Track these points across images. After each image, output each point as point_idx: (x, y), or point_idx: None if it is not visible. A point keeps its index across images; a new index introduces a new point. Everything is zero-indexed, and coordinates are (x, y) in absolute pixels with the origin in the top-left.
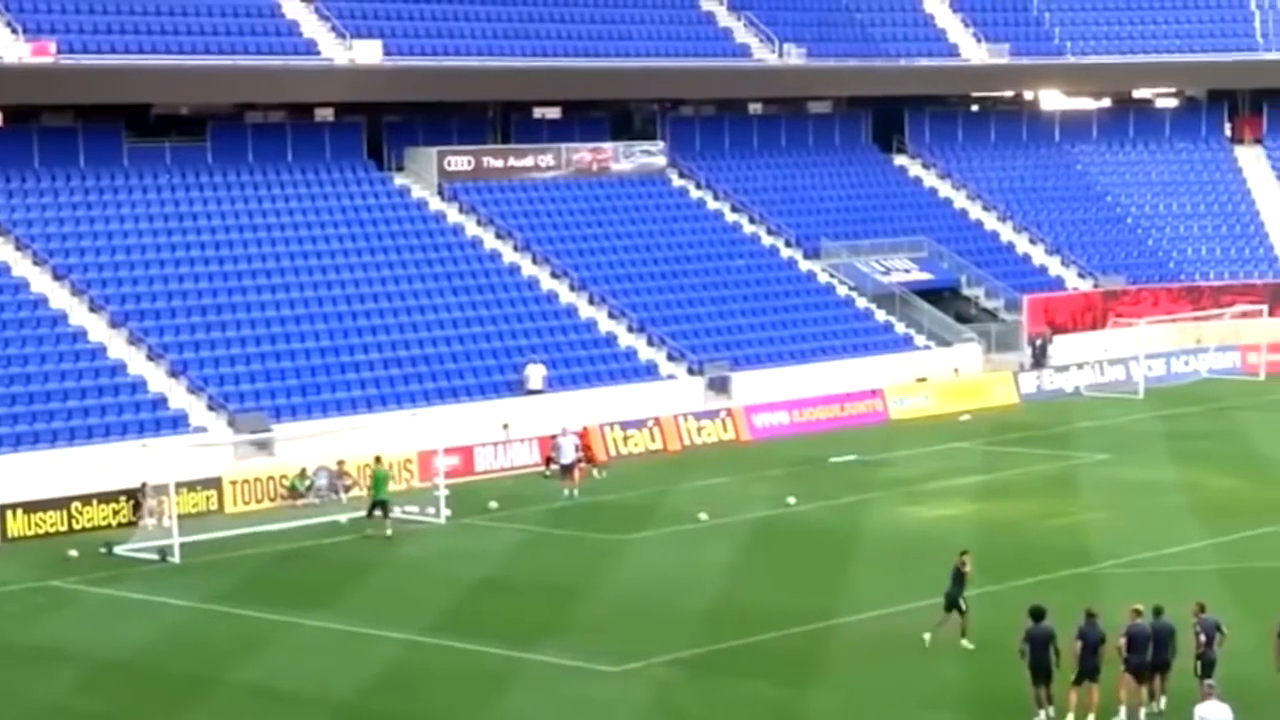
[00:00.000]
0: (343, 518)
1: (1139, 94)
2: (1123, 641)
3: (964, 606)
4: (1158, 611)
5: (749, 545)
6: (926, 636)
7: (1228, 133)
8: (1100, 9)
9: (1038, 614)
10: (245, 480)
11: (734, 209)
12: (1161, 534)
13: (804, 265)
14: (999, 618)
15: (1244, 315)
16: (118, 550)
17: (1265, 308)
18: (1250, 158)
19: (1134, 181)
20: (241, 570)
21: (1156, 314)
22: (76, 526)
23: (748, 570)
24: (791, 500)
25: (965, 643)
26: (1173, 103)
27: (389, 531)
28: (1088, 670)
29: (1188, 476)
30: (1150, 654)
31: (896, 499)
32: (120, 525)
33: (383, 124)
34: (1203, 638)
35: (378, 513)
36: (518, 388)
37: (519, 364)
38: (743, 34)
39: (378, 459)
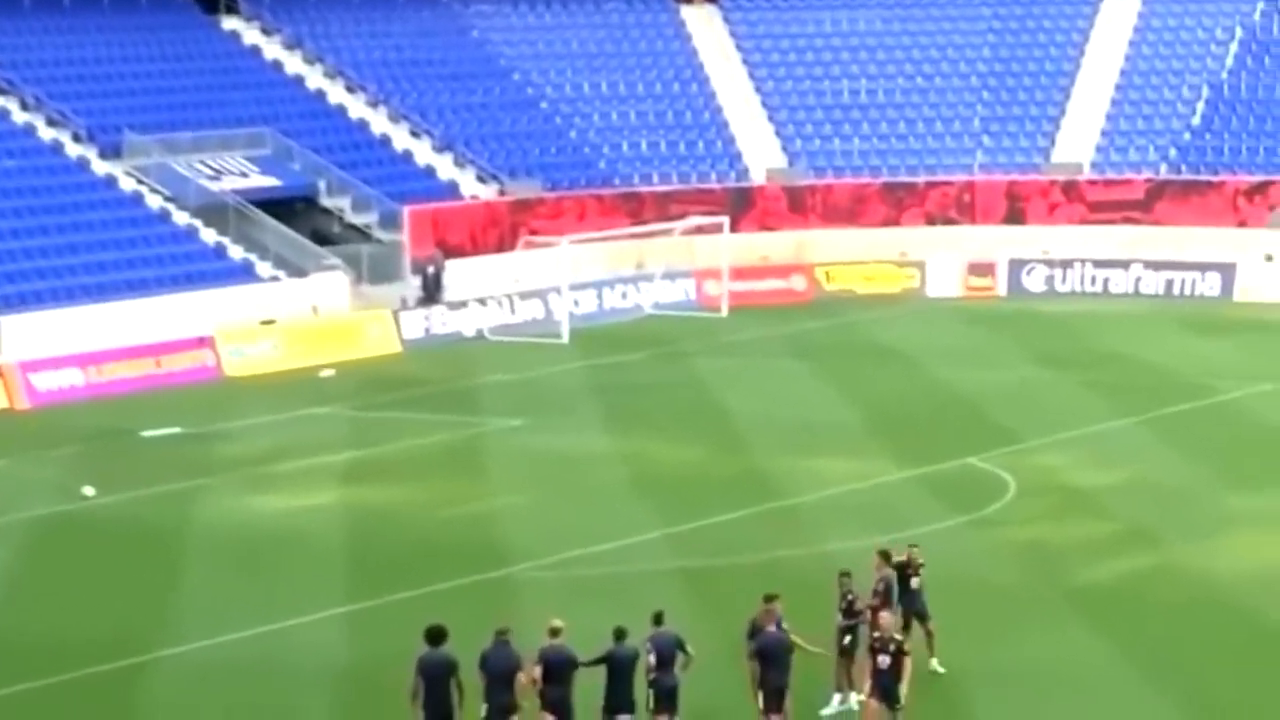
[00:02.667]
0: None
1: None
2: (537, 671)
3: (923, 616)
4: (625, 632)
5: (30, 554)
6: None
7: None
8: None
9: (435, 636)
10: None
11: (1, 90)
12: (598, 524)
13: (99, 167)
14: (380, 641)
15: (699, 231)
16: None
17: (726, 221)
18: (701, 21)
19: (550, 53)
20: None
21: (584, 231)
22: None
23: (30, 589)
24: (89, 490)
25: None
26: None
27: None
28: (498, 709)
29: (631, 445)
30: (614, 683)
31: (237, 485)
32: None
33: None
34: (653, 659)
35: None
36: None
37: None
38: None
39: None
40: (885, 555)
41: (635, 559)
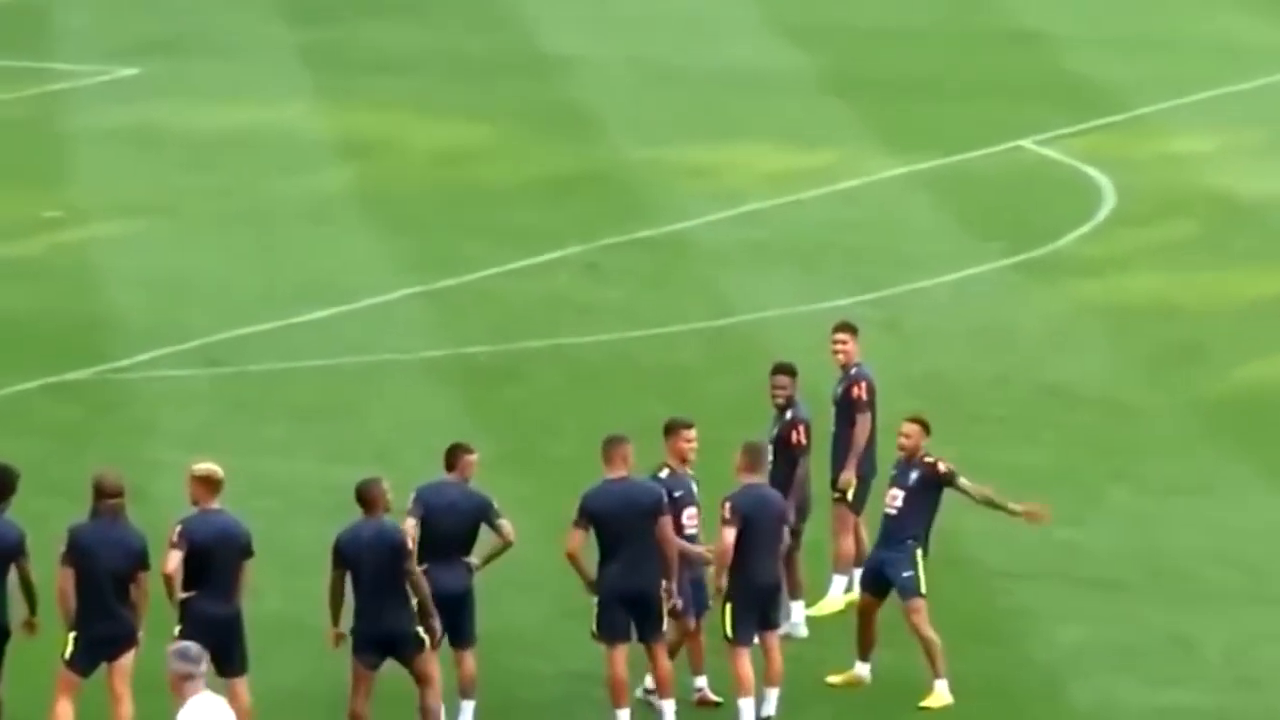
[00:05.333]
0: None
1: None
2: (174, 560)
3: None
4: (373, 492)
5: None
6: None
7: None
8: None
9: None
10: None
11: None
12: (290, 275)
13: None
14: None
15: None
16: None
17: None
18: None
19: None
20: None
21: None
22: None
23: None
24: None
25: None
26: None
27: None
28: (96, 640)
29: (357, 119)
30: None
31: None
32: None
33: None
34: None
35: None
36: None
37: None
38: None
39: None
40: (850, 328)
41: (367, 342)
